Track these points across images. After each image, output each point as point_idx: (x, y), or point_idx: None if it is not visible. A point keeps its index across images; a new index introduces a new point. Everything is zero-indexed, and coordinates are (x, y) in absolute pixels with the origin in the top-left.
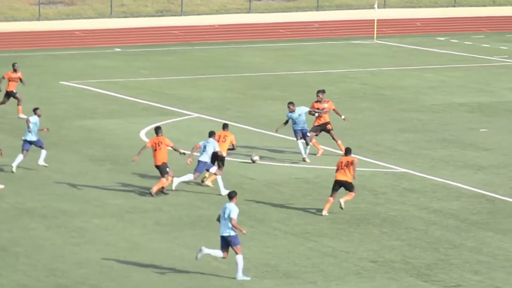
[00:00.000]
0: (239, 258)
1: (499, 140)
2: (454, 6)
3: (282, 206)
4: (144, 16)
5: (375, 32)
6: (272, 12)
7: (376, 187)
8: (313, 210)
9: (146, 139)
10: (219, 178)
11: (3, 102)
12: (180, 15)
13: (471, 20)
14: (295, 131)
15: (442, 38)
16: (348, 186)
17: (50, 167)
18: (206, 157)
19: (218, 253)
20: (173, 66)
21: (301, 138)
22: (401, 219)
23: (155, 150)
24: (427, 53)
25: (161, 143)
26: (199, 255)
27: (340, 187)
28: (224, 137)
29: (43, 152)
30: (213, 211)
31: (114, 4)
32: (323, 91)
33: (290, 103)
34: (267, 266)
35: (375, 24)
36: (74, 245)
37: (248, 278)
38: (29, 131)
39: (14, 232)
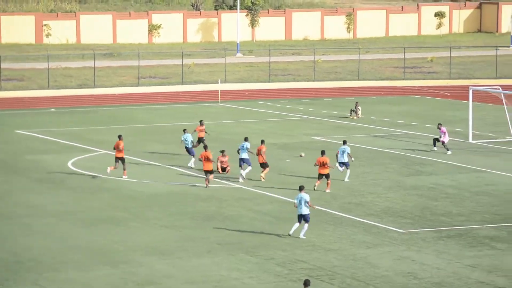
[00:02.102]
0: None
1: (297, 166)
2: (269, 82)
3: (160, 206)
4: (70, 88)
5: (219, 98)
6: (153, 85)
7: (221, 196)
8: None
9: (72, 168)
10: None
11: None
12: (94, 87)
13: (280, 91)
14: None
15: (262, 102)
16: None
17: (8, 185)
18: (344, 158)
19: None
20: (89, 120)
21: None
22: (237, 217)
23: (205, 160)
24: (252, 111)
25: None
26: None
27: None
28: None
29: None
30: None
31: (50, 80)
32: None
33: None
34: (154, 249)
35: (219, 93)
36: (25, 235)
37: (304, 237)
38: None
39: None
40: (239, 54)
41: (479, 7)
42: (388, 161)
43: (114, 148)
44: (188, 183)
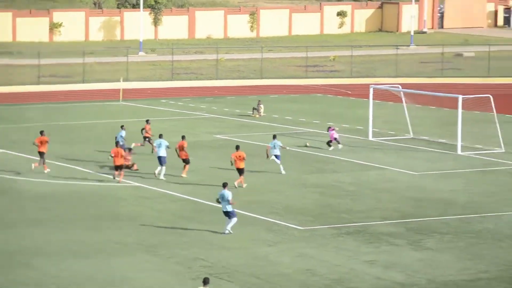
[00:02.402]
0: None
1: (203, 165)
2: (171, 80)
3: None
4: None
5: (121, 97)
6: (54, 84)
7: (121, 195)
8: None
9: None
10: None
11: None
12: None
13: (183, 89)
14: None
15: (164, 101)
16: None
17: None
18: (277, 151)
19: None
20: None
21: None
22: (137, 216)
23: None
24: (154, 110)
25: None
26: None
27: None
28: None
29: None
30: None
31: None
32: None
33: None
34: (49, 250)
35: (121, 91)
36: None
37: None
38: None
39: None
40: (141, 53)
41: (381, 7)
42: (290, 158)
43: (34, 143)
44: (88, 182)
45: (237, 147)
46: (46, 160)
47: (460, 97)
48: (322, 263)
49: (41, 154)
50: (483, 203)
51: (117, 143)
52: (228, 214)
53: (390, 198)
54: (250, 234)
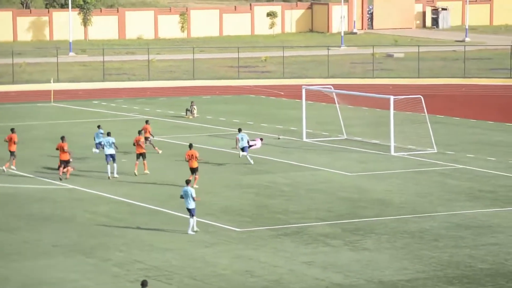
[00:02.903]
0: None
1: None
2: (103, 81)
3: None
4: None
5: (52, 98)
6: None
7: (56, 197)
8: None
9: None
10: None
11: None
12: None
13: (115, 90)
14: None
15: (96, 102)
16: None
17: None
18: (244, 143)
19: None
20: None
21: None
22: (72, 218)
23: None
24: (87, 111)
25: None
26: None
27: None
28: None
29: None
30: None
31: None
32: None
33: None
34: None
35: (52, 93)
36: None
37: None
38: None
39: None
40: (72, 53)
41: (310, 7)
42: (224, 160)
43: (6, 140)
44: (23, 185)
45: (190, 146)
46: None
47: (392, 97)
48: (261, 264)
49: (12, 152)
50: (417, 204)
51: (62, 138)
52: (190, 212)
53: (325, 199)
54: (187, 235)
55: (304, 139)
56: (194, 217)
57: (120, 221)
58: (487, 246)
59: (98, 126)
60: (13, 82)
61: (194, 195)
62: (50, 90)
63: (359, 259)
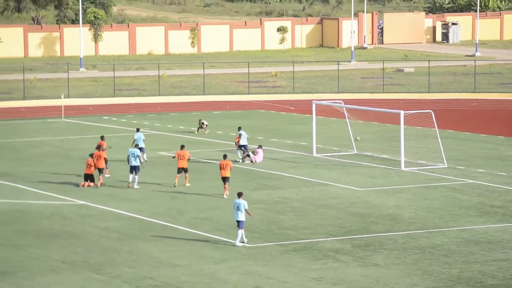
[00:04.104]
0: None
1: (148, 182)
2: (114, 97)
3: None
4: None
5: (62, 114)
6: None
7: (65, 214)
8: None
9: None
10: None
11: None
12: None
13: (125, 106)
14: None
15: (107, 117)
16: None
17: None
18: (245, 141)
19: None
20: None
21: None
22: (82, 234)
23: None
24: (97, 127)
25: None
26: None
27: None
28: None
29: None
30: None
31: None
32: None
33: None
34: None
35: (63, 108)
36: None
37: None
38: None
39: None
40: (82, 69)
41: (320, 22)
42: (234, 175)
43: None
44: (33, 201)
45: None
46: None
47: (402, 112)
48: (270, 280)
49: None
50: (428, 219)
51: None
52: (238, 224)
53: (335, 214)
54: (197, 251)
55: (314, 154)
56: (242, 230)
57: (130, 237)
58: (497, 262)
59: (137, 129)
60: (24, 98)
61: (246, 207)
62: (61, 106)
63: (369, 275)
